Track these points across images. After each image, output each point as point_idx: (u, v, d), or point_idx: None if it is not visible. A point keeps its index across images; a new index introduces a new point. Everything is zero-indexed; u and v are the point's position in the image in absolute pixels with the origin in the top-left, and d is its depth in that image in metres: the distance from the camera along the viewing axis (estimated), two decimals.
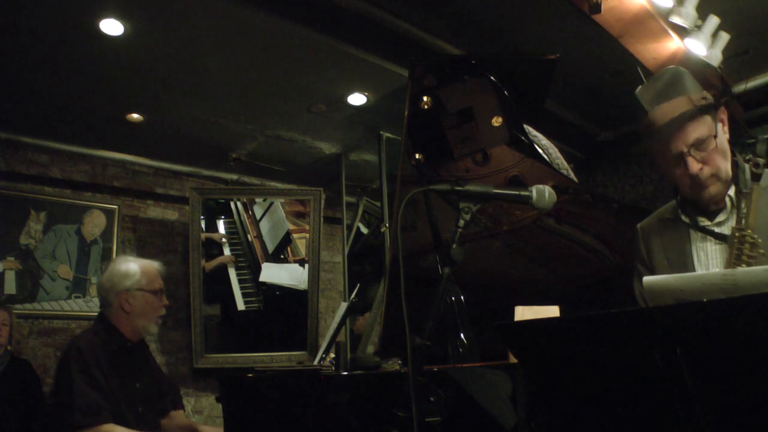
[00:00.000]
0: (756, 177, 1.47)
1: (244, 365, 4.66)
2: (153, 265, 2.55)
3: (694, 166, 1.54)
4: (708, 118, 1.55)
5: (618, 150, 4.90)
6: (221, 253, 4.95)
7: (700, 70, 2.87)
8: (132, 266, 2.47)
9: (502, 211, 2.30)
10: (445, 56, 3.19)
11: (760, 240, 1.46)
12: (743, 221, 1.47)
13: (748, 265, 1.42)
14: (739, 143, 1.64)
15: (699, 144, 1.54)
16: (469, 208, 1.46)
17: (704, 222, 1.62)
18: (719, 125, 1.58)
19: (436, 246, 2.05)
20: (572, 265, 2.54)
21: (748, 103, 3.83)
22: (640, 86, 1.68)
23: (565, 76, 3.70)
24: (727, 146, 1.59)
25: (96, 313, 4.25)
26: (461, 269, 1.48)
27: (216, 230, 4.98)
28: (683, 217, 1.65)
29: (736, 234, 1.47)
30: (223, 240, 4.96)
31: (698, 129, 1.54)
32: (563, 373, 1.08)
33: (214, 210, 5.01)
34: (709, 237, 1.59)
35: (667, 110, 1.55)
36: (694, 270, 1.59)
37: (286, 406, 1.83)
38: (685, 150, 1.54)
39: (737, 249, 1.45)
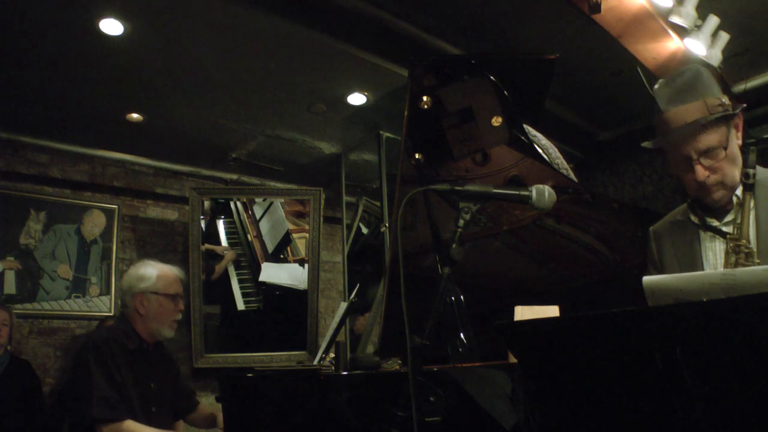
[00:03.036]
0: (749, 187, 1.47)
1: (243, 365, 4.66)
2: (171, 269, 2.57)
3: (701, 173, 1.55)
4: (722, 128, 1.55)
5: (618, 150, 4.90)
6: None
7: None
8: (149, 270, 2.49)
9: (502, 211, 2.30)
10: (445, 56, 3.19)
11: (755, 249, 1.47)
12: (738, 231, 1.47)
13: None
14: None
15: (708, 152, 1.54)
16: (469, 208, 1.46)
17: (713, 222, 1.63)
18: (733, 131, 1.58)
19: (436, 246, 2.04)
20: (572, 265, 2.53)
21: (748, 103, 3.83)
22: (659, 81, 1.68)
23: (565, 76, 3.70)
24: (737, 152, 1.59)
25: (96, 313, 4.28)
26: (461, 269, 1.48)
27: (216, 230, 4.98)
28: (692, 217, 1.66)
29: (731, 244, 1.48)
30: (225, 252, 4.96)
31: (710, 138, 1.54)
32: (563, 373, 1.08)
33: (214, 210, 5.01)
34: (717, 237, 1.60)
35: (681, 114, 1.56)
36: (703, 270, 1.60)
37: (285, 406, 1.83)
38: (695, 157, 1.55)
39: (733, 258, 1.46)
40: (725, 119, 1.56)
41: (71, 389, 2.31)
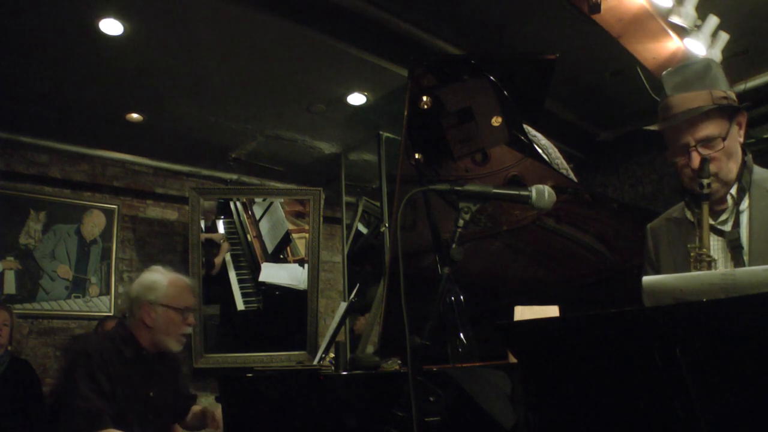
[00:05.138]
0: (705, 197, 1.47)
1: (243, 365, 4.66)
2: (183, 280, 2.44)
3: (696, 161, 1.55)
4: (723, 119, 1.55)
5: (618, 150, 4.90)
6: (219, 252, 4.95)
7: None
8: (159, 279, 2.37)
9: (502, 211, 2.30)
10: (445, 56, 3.19)
11: (716, 258, 1.47)
12: (698, 240, 1.47)
13: None
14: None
15: (707, 141, 1.55)
16: (469, 208, 1.46)
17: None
18: (735, 128, 1.58)
19: (435, 246, 2.05)
20: (572, 265, 2.53)
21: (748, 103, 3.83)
22: (668, 70, 1.68)
23: (565, 76, 3.70)
24: (737, 149, 1.59)
25: (96, 313, 4.25)
26: (461, 269, 1.48)
27: (215, 230, 4.98)
28: (688, 215, 1.66)
29: (692, 253, 1.48)
30: (222, 241, 4.96)
31: (709, 127, 1.54)
32: (563, 373, 1.08)
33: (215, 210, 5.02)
34: (713, 234, 1.60)
35: (685, 100, 1.57)
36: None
37: (285, 405, 1.83)
38: (692, 144, 1.55)
39: (694, 269, 1.45)
40: (728, 112, 1.56)
41: (59, 398, 2.26)
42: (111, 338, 2.35)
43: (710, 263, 1.44)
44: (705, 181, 1.46)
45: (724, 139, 1.54)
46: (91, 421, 2.10)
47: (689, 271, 1.59)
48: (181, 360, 4.71)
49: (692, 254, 1.48)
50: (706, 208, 1.47)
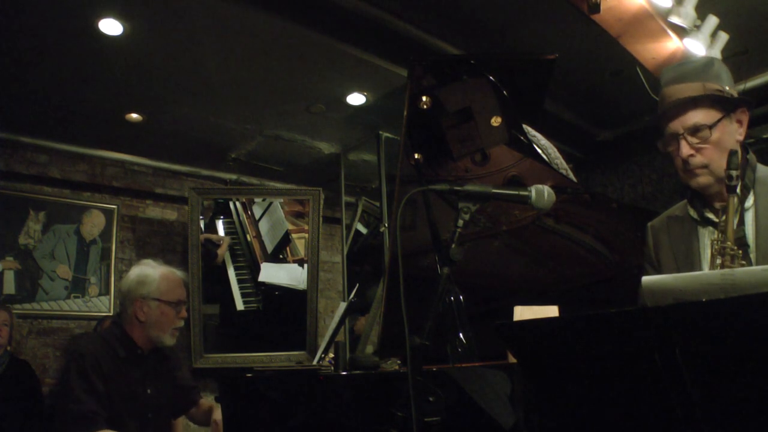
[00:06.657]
0: (731, 189, 1.44)
1: (243, 365, 4.66)
2: (175, 273, 2.43)
3: (685, 150, 1.56)
4: (713, 110, 1.55)
5: (617, 150, 4.90)
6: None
7: None
8: (150, 273, 2.36)
9: (502, 211, 2.30)
10: (445, 56, 3.19)
11: (740, 252, 1.45)
12: (723, 233, 1.45)
13: None
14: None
15: (695, 131, 1.55)
16: (468, 208, 1.46)
17: (711, 217, 1.61)
18: (735, 125, 1.58)
19: (435, 246, 2.05)
20: (572, 265, 2.53)
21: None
22: (667, 66, 1.70)
23: (565, 76, 3.70)
24: (732, 145, 1.57)
25: (95, 314, 4.25)
26: (461, 269, 1.48)
27: (215, 230, 4.98)
28: (691, 212, 1.65)
29: (716, 246, 1.46)
30: (221, 242, 4.96)
31: (698, 115, 1.55)
32: (562, 373, 1.08)
33: (214, 210, 5.02)
34: (716, 232, 1.59)
35: (678, 90, 1.58)
36: (700, 266, 1.59)
37: (285, 405, 1.83)
38: (681, 132, 1.56)
39: (719, 260, 1.43)
40: (720, 104, 1.56)
41: (57, 400, 2.26)
42: (105, 338, 2.34)
43: (734, 257, 1.41)
44: (734, 173, 1.42)
45: (710, 128, 1.54)
46: (84, 424, 2.09)
47: (692, 269, 1.59)
48: (181, 359, 4.72)
49: (716, 247, 1.45)
50: (732, 200, 1.43)
